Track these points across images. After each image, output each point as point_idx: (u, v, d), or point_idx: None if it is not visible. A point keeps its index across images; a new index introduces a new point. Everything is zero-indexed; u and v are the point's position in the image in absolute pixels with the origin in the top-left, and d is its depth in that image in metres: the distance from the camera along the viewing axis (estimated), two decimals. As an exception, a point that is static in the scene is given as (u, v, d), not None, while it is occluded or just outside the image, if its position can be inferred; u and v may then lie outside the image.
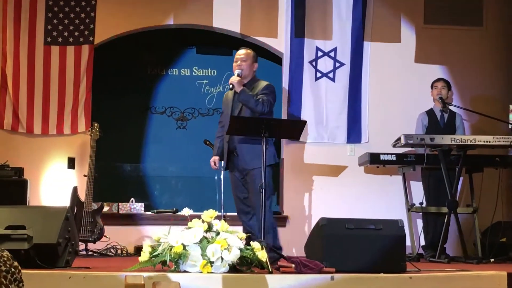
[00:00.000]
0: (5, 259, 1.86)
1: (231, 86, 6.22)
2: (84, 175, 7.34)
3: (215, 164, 6.65)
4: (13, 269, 1.85)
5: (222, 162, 6.55)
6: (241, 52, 6.48)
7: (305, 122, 6.30)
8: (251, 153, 6.19)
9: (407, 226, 6.68)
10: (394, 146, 7.18)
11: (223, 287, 4.29)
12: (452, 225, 6.84)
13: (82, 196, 7.21)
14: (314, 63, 8.21)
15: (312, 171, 8.13)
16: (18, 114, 7.88)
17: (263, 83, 6.40)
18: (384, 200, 8.00)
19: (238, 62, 6.41)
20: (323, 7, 8.25)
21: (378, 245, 5.03)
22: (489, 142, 6.70)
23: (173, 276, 4.31)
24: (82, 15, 8.02)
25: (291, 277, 4.47)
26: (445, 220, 6.78)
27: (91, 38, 8.02)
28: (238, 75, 6.27)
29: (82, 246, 6.82)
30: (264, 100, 6.20)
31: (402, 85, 8.30)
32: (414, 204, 7.34)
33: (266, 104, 6.19)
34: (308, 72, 8.19)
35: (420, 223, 7.59)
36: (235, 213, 7.94)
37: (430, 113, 7.58)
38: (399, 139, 6.91)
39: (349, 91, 8.22)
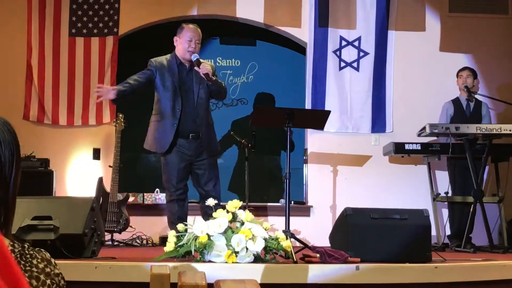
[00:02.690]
0: (62, 282, 1.82)
1: (208, 75, 5.77)
2: (109, 166, 7.37)
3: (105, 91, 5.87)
4: None
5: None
6: (198, 32, 6.07)
7: (329, 112, 6.23)
8: (212, 137, 6.16)
9: (432, 216, 6.64)
10: (419, 135, 7.15)
11: (248, 277, 4.30)
12: (478, 214, 6.79)
13: (107, 186, 7.25)
14: (338, 53, 8.19)
15: (336, 161, 8.12)
16: (43, 105, 7.94)
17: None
18: (409, 189, 7.98)
19: (193, 45, 5.99)
20: (347, -4, 8.23)
21: (403, 234, 5.01)
22: (515, 131, 6.65)
23: (198, 266, 4.33)
24: (107, 7, 8.05)
25: (316, 267, 4.47)
26: (471, 210, 6.74)
27: (115, 29, 8.05)
28: (200, 60, 5.91)
29: (107, 236, 6.86)
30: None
31: (427, 74, 8.26)
32: (440, 194, 7.31)
33: None
34: (332, 61, 8.17)
35: (445, 212, 7.56)
36: (260, 203, 7.96)
37: (455, 102, 7.53)
38: (424, 128, 6.87)
39: (373, 81, 8.19)
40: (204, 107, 6.09)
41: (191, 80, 6.06)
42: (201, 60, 5.89)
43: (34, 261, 1.69)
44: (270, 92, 8.66)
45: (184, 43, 6.00)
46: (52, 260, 1.76)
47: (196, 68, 5.90)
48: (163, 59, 6.10)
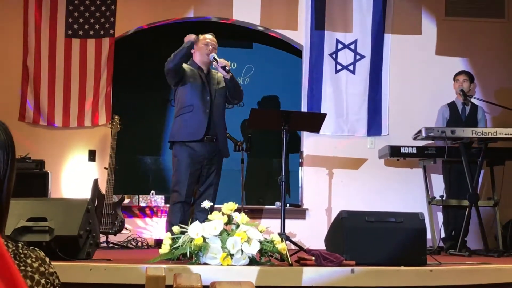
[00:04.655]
0: (56, 281, 1.81)
1: (225, 67, 5.98)
2: (105, 168, 7.36)
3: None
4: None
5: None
6: (214, 39, 6.28)
7: (325, 114, 6.26)
8: (226, 142, 6.22)
9: (427, 219, 6.65)
10: (414, 139, 7.15)
11: (243, 279, 4.30)
12: (473, 218, 6.80)
13: (102, 188, 7.24)
14: (334, 56, 8.19)
15: (332, 164, 8.12)
16: (39, 107, 7.93)
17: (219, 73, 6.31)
18: (404, 193, 7.97)
19: (210, 47, 6.19)
20: (343, -1, 8.24)
21: (398, 238, 5.02)
22: (511, 134, 6.65)
23: (194, 268, 4.32)
24: (103, 8, 8.05)
25: (311, 270, 4.47)
26: (466, 213, 6.74)
27: (111, 31, 8.04)
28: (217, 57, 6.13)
29: (103, 238, 6.85)
30: None
31: (423, 78, 8.26)
32: (435, 197, 7.31)
33: None
34: (328, 64, 8.17)
35: (440, 216, 7.56)
36: (255, 206, 7.94)
37: (451, 105, 7.55)
38: (419, 131, 6.88)
39: (369, 84, 8.19)
40: (220, 110, 6.16)
41: (208, 83, 6.17)
42: (214, 57, 6.08)
43: (29, 261, 1.68)
44: (266, 94, 8.66)
45: (202, 47, 6.19)
46: (47, 258, 1.75)
47: (214, 63, 6.08)
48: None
